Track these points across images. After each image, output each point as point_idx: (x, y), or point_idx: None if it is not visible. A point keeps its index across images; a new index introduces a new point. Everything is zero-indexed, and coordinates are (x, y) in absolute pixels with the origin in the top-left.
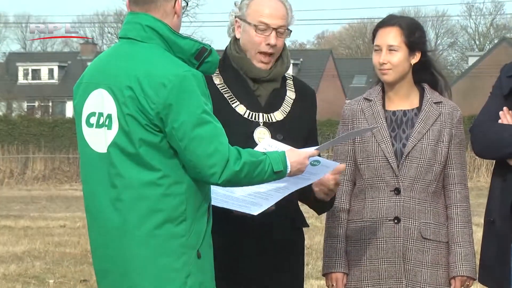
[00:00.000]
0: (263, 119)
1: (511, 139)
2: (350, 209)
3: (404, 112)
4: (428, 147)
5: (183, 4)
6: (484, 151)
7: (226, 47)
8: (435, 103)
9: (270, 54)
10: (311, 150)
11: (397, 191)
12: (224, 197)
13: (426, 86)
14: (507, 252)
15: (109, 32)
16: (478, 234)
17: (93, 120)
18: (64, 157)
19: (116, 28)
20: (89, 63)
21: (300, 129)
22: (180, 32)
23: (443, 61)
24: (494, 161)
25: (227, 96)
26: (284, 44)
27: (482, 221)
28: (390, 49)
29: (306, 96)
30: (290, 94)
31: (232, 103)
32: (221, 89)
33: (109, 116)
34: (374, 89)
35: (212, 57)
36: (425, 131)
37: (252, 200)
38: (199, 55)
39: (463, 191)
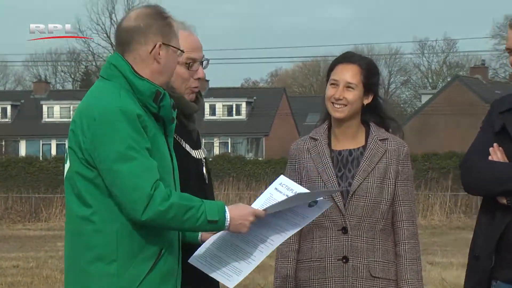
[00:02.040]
0: (201, 155)
1: (502, 178)
2: (300, 249)
3: (350, 151)
4: (374, 185)
5: (178, 53)
6: (473, 188)
7: None
8: (380, 140)
9: (198, 86)
10: (258, 209)
11: (344, 230)
12: (208, 257)
13: (372, 123)
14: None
15: (62, 71)
16: (432, 272)
17: (66, 158)
18: (17, 196)
19: (69, 67)
20: (42, 102)
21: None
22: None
23: (396, 99)
24: (479, 198)
25: (176, 137)
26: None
27: (437, 259)
28: (348, 86)
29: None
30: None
31: (181, 143)
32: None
33: (66, 151)
34: (321, 127)
35: (165, 101)
36: (370, 169)
37: (234, 264)
38: (155, 98)
39: (411, 227)
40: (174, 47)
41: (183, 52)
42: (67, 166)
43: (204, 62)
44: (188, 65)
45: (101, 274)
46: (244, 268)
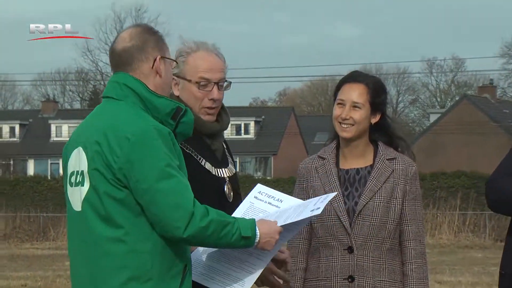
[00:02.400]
0: (226, 174)
1: None
2: (307, 267)
3: (357, 170)
4: (381, 205)
5: (174, 64)
6: (498, 206)
7: None
8: (388, 159)
9: (214, 107)
10: (279, 227)
11: (350, 249)
12: (206, 270)
13: (380, 143)
14: None
15: (70, 90)
16: None
17: (73, 179)
18: (26, 215)
19: (77, 86)
20: (50, 121)
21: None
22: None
23: (404, 118)
24: (508, 217)
25: (193, 155)
26: None
27: (445, 278)
28: (354, 105)
29: (226, 143)
30: (224, 145)
31: (200, 161)
32: (185, 149)
33: (82, 173)
34: (329, 146)
35: (187, 117)
36: (377, 188)
37: (235, 275)
38: (175, 115)
39: (418, 247)
40: (170, 59)
41: (177, 63)
42: (81, 190)
43: (225, 84)
44: (199, 84)
45: None
46: (247, 279)
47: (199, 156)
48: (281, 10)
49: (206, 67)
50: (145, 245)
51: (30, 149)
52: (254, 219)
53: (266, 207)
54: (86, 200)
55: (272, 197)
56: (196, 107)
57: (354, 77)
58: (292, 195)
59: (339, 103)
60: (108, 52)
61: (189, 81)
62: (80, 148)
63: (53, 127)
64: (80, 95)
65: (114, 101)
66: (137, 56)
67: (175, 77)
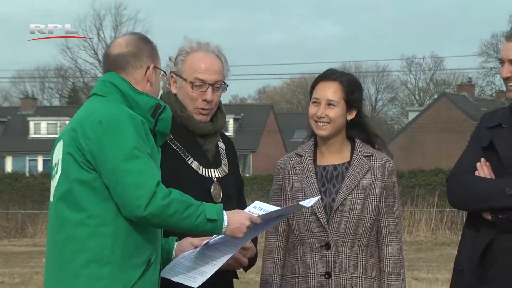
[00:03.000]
0: (215, 175)
1: (487, 194)
2: (284, 264)
3: (335, 167)
4: (358, 201)
5: (161, 74)
6: (460, 204)
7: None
8: (365, 156)
9: (208, 109)
10: (254, 215)
11: (327, 246)
12: (176, 267)
13: (357, 140)
14: None
15: (49, 87)
16: None
17: (52, 173)
18: (3, 212)
19: (56, 83)
20: (28, 118)
21: (237, 181)
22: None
23: (383, 116)
24: (466, 212)
25: (181, 152)
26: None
27: (422, 275)
28: (329, 103)
29: (231, 145)
30: (222, 145)
31: (187, 159)
32: (174, 146)
33: (57, 162)
34: (306, 144)
35: (166, 113)
36: (354, 185)
37: (199, 268)
38: (154, 112)
39: (395, 243)
40: (160, 70)
41: (166, 74)
42: (55, 180)
43: (222, 86)
44: (193, 84)
45: (95, 276)
46: (208, 269)
47: (187, 155)
48: (260, 8)
49: (203, 68)
50: (107, 229)
51: (8, 146)
52: (221, 205)
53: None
54: (57, 188)
55: (265, 210)
56: (190, 106)
57: (328, 75)
58: (272, 192)
59: (314, 102)
60: (86, 50)
61: (185, 80)
62: (60, 141)
63: (31, 124)
64: (59, 92)
65: (98, 97)
66: (132, 62)
67: (174, 75)
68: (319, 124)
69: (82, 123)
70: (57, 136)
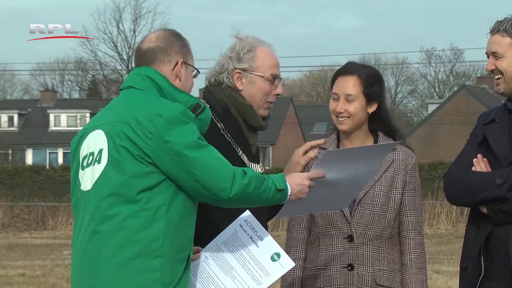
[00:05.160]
0: (258, 170)
1: (480, 186)
2: (306, 257)
3: None
4: (381, 194)
5: (194, 72)
6: (456, 198)
7: (214, 95)
8: None
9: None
10: (312, 172)
11: (350, 238)
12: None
13: (380, 133)
14: None
15: (69, 80)
16: (438, 281)
17: (85, 162)
18: (24, 205)
19: (76, 76)
20: (48, 111)
21: None
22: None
23: (403, 108)
24: (468, 208)
25: (233, 143)
26: None
27: (443, 268)
28: (348, 98)
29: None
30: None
31: (238, 151)
32: (226, 136)
33: (100, 152)
34: (330, 137)
35: (205, 115)
36: (377, 177)
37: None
38: (193, 110)
39: (417, 237)
40: (192, 66)
41: (199, 72)
42: (94, 169)
43: (281, 80)
44: (270, 79)
45: (144, 268)
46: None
47: (238, 147)
48: (281, 0)
49: (275, 63)
50: (160, 222)
51: (28, 138)
52: (282, 173)
53: (246, 241)
54: (101, 177)
55: (256, 231)
56: (261, 101)
57: (346, 69)
58: None
59: (333, 97)
60: (106, 43)
61: (262, 76)
62: (99, 130)
63: (51, 117)
64: (79, 85)
65: (135, 90)
66: (160, 56)
67: (241, 71)
68: (339, 119)
69: (135, 116)
70: (79, 128)
